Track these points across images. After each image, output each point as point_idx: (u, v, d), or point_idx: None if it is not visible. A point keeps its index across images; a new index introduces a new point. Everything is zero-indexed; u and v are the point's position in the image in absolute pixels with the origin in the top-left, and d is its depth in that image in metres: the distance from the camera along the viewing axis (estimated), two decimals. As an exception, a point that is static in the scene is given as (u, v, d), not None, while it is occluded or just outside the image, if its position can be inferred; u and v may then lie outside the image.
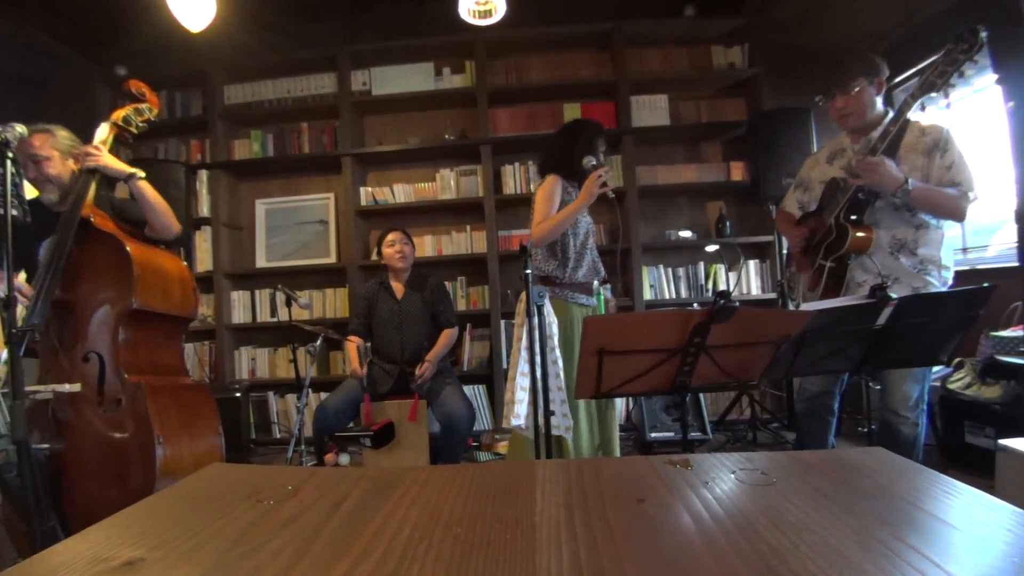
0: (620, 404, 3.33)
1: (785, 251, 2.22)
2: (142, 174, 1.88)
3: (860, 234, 1.85)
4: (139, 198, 1.89)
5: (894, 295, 1.52)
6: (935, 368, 2.57)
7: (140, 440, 1.62)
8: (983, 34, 1.61)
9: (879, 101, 1.91)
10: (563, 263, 2.12)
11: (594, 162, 2.01)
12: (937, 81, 1.69)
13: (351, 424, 2.73)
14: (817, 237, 2.00)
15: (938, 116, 3.14)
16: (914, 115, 1.83)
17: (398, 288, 2.90)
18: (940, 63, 1.69)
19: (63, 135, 1.89)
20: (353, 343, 2.81)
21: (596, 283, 2.20)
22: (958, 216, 1.82)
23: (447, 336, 2.84)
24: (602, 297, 2.25)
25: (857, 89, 1.88)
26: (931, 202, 1.79)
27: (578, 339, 2.00)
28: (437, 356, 2.76)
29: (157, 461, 1.60)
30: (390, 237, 2.88)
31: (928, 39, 3.02)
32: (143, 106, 1.97)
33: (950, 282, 1.88)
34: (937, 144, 1.81)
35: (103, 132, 1.89)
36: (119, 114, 1.92)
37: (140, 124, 1.97)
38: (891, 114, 1.86)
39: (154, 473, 1.60)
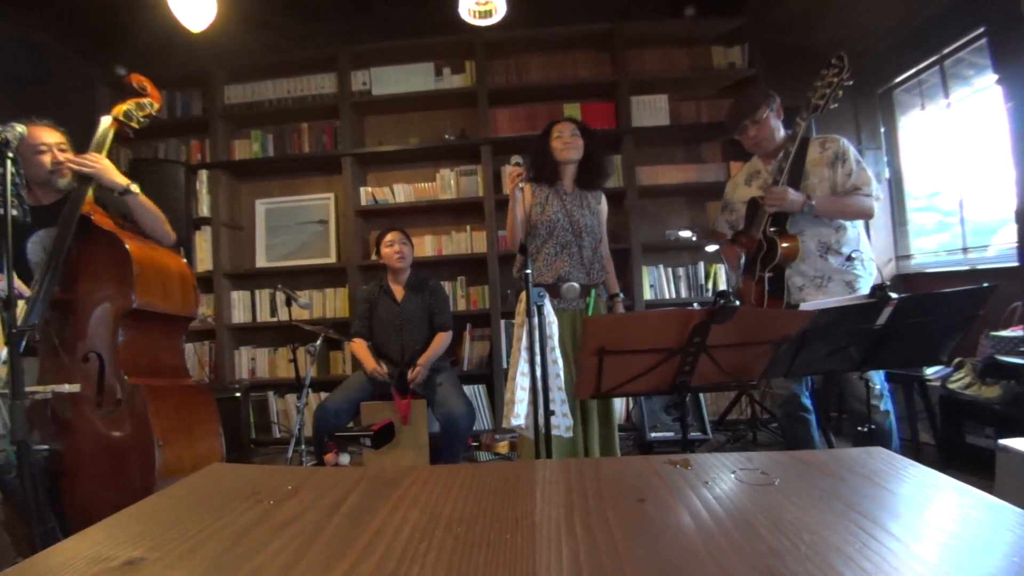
0: (619, 404, 3.33)
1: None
2: (137, 189, 1.84)
3: (787, 243, 2.04)
4: (136, 211, 1.86)
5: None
6: (935, 368, 2.59)
7: (139, 442, 1.61)
8: (846, 59, 1.87)
9: (780, 125, 2.15)
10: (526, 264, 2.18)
11: (516, 160, 2.04)
12: (819, 103, 1.93)
13: (351, 424, 2.73)
14: (752, 253, 2.16)
15: (938, 115, 3.15)
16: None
17: (398, 290, 2.90)
18: (818, 87, 1.93)
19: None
20: (360, 344, 2.81)
21: (571, 285, 2.15)
22: (866, 215, 2.07)
23: (440, 340, 2.84)
24: (593, 299, 2.22)
25: (764, 116, 2.11)
26: (835, 210, 2.04)
27: (556, 340, 2.03)
28: (429, 360, 2.76)
29: (156, 463, 1.59)
30: (389, 237, 2.87)
31: (928, 39, 3.02)
32: (145, 101, 1.94)
33: (874, 272, 2.11)
34: (837, 155, 2.05)
35: (104, 126, 1.86)
36: (120, 109, 1.89)
37: (142, 119, 1.93)
38: (786, 133, 2.11)
39: (153, 475, 1.59)
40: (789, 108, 3.11)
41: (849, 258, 2.05)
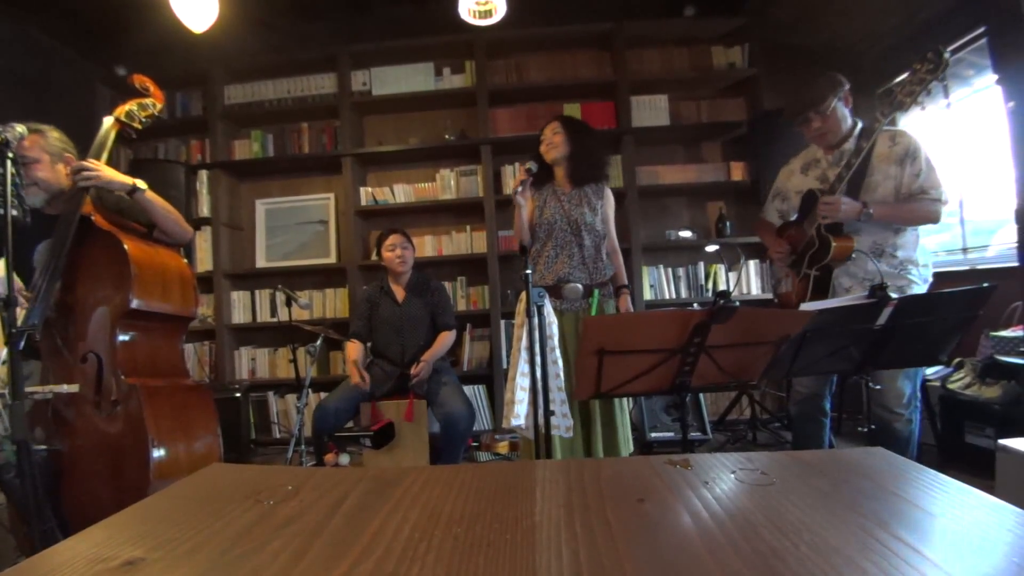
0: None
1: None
2: (144, 185, 1.81)
3: (842, 243, 1.92)
4: (148, 210, 1.84)
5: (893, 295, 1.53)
6: (935, 368, 2.58)
7: (135, 441, 1.61)
8: (947, 55, 1.71)
9: (848, 113, 1.99)
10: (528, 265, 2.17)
11: (529, 165, 2.05)
12: (906, 100, 1.78)
13: (350, 424, 2.73)
14: (801, 247, 2.05)
15: (938, 116, 3.15)
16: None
17: (399, 292, 2.89)
18: (907, 82, 1.77)
19: (55, 136, 1.82)
20: (352, 350, 2.80)
21: (573, 286, 2.15)
22: (931, 221, 1.92)
23: (444, 338, 2.84)
24: (596, 300, 2.20)
25: (831, 108, 1.94)
26: (896, 217, 1.90)
27: (556, 340, 2.00)
28: (433, 357, 2.75)
29: (151, 463, 1.59)
30: (389, 241, 2.85)
31: (928, 39, 3.02)
32: (147, 101, 1.93)
33: (929, 279, 1.96)
34: (907, 152, 1.89)
35: (106, 127, 1.85)
36: (122, 109, 1.88)
37: (144, 119, 1.92)
38: (860, 125, 1.96)
39: (148, 475, 1.58)
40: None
41: (903, 263, 1.93)
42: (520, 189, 2.01)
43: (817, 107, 1.95)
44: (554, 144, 2.23)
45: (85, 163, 1.73)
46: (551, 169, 2.28)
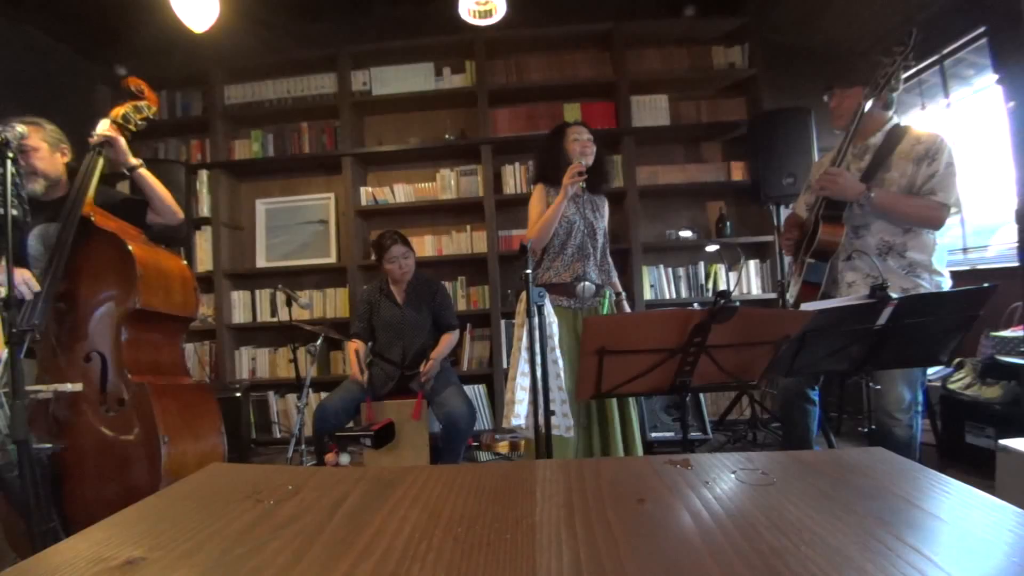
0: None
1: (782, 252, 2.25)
2: (141, 162, 1.97)
3: (827, 231, 1.88)
4: (143, 186, 1.95)
5: (893, 295, 1.53)
6: (935, 368, 2.58)
7: (145, 440, 1.62)
8: (915, 36, 1.73)
9: (876, 110, 1.91)
10: (539, 264, 2.21)
11: (584, 161, 2.08)
12: (880, 82, 1.79)
13: (351, 424, 2.73)
14: (808, 234, 2.03)
15: (938, 115, 3.15)
16: (913, 114, 1.85)
17: (399, 293, 2.89)
18: (885, 64, 1.79)
19: (51, 128, 1.90)
20: (354, 348, 2.81)
21: (587, 284, 2.18)
22: (931, 225, 1.84)
23: (448, 338, 2.85)
24: (607, 299, 2.26)
25: (851, 93, 1.91)
26: (897, 210, 1.83)
27: (556, 340, 2.02)
28: (440, 355, 2.77)
29: (162, 461, 1.60)
30: (391, 253, 2.78)
31: (928, 39, 3.01)
32: (142, 103, 1.96)
33: (944, 287, 1.89)
34: (927, 152, 1.83)
35: (102, 129, 1.87)
36: (118, 111, 1.91)
37: (139, 122, 1.95)
38: (893, 120, 1.92)
39: (159, 473, 1.59)
40: (792, 108, 3.04)
41: (912, 264, 1.86)
42: (584, 184, 2.07)
43: (843, 83, 1.93)
44: (593, 151, 2.24)
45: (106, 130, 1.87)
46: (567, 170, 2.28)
